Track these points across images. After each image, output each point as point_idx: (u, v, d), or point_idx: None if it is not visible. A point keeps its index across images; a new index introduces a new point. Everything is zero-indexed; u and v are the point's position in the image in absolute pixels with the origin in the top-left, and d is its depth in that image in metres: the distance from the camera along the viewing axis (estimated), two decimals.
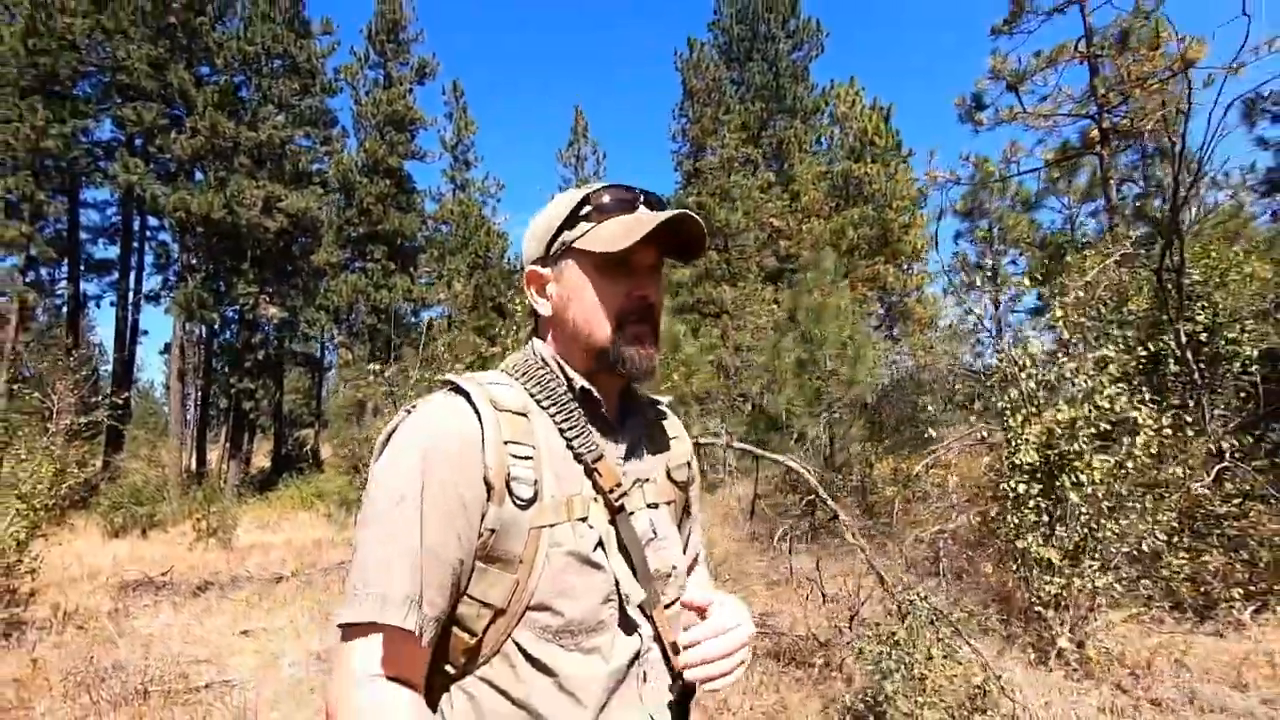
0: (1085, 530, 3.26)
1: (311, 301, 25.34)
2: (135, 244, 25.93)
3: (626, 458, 0.97)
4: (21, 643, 5.49)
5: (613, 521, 0.90)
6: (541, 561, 0.83)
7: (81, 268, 24.48)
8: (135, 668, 4.56)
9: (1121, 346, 3.49)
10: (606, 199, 0.93)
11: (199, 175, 24.48)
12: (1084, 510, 3.25)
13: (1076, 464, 3.22)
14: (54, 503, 6.70)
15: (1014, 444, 3.48)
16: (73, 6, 21.84)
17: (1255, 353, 4.15)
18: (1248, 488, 4.06)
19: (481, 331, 19.95)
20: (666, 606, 0.94)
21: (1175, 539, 3.70)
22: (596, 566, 0.86)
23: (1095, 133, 5.58)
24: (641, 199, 0.96)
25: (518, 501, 0.83)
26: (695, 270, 18.08)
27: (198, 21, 24.00)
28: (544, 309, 0.96)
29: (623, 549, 0.90)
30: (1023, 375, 3.50)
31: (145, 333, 50.92)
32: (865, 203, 15.95)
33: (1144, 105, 5.46)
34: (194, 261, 24.57)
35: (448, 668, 0.85)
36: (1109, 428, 3.48)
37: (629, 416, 1.01)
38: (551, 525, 0.84)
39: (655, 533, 0.96)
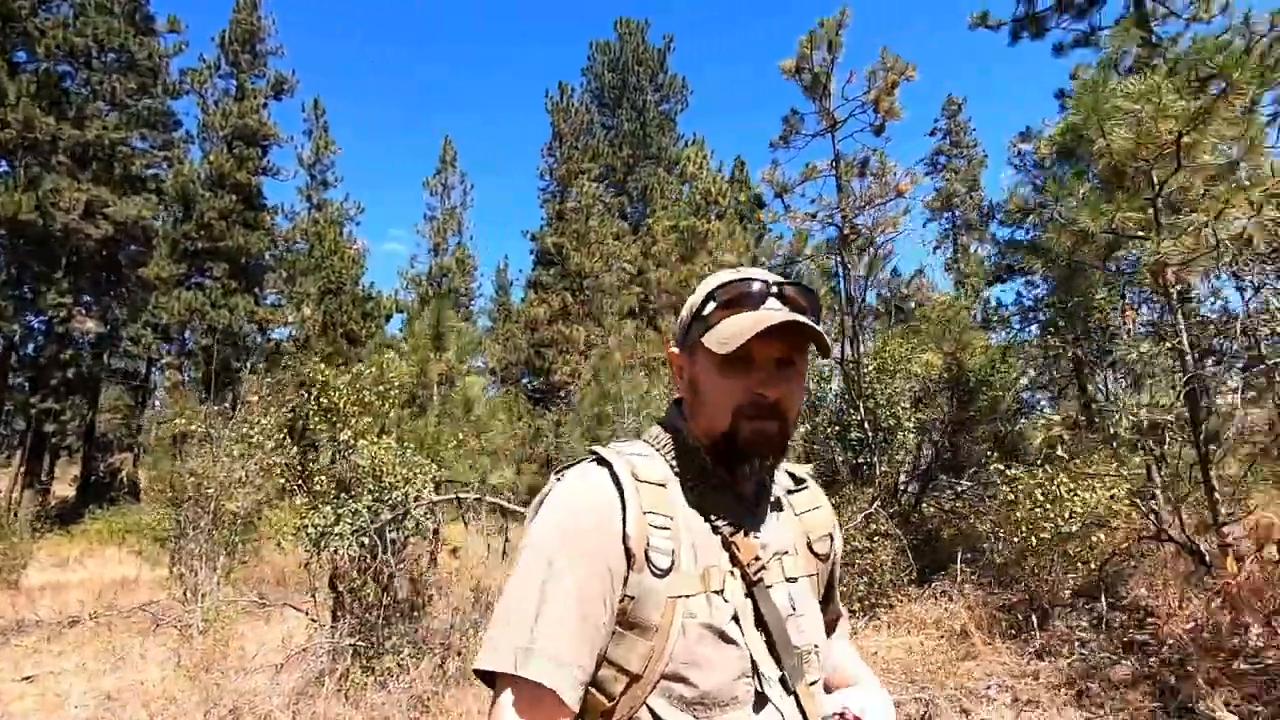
0: None
1: (137, 317, 23.36)
2: None
3: (765, 530, 0.97)
4: None
5: (750, 595, 0.90)
6: (676, 631, 0.84)
7: None
8: None
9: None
10: (731, 295, 0.93)
11: (5, 170, 22.03)
12: None
13: None
14: None
15: None
16: None
17: (911, 423, 5.62)
18: (883, 529, 5.41)
19: (329, 359, 19.47)
20: (810, 684, 0.93)
21: None
22: (730, 641, 0.86)
23: (840, 238, 7.09)
24: (773, 290, 0.94)
25: (655, 570, 0.84)
26: (550, 310, 18.84)
27: (15, 4, 21.83)
28: (681, 390, 1.00)
29: (761, 624, 0.89)
30: None
31: None
32: (709, 256, 17.53)
33: (870, 222, 7.07)
34: None
35: None
36: None
37: (767, 488, 1.01)
38: (687, 596, 0.85)
39: (794, 608, 0.94)
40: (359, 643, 3.88)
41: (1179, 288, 3.52)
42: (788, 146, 7.91)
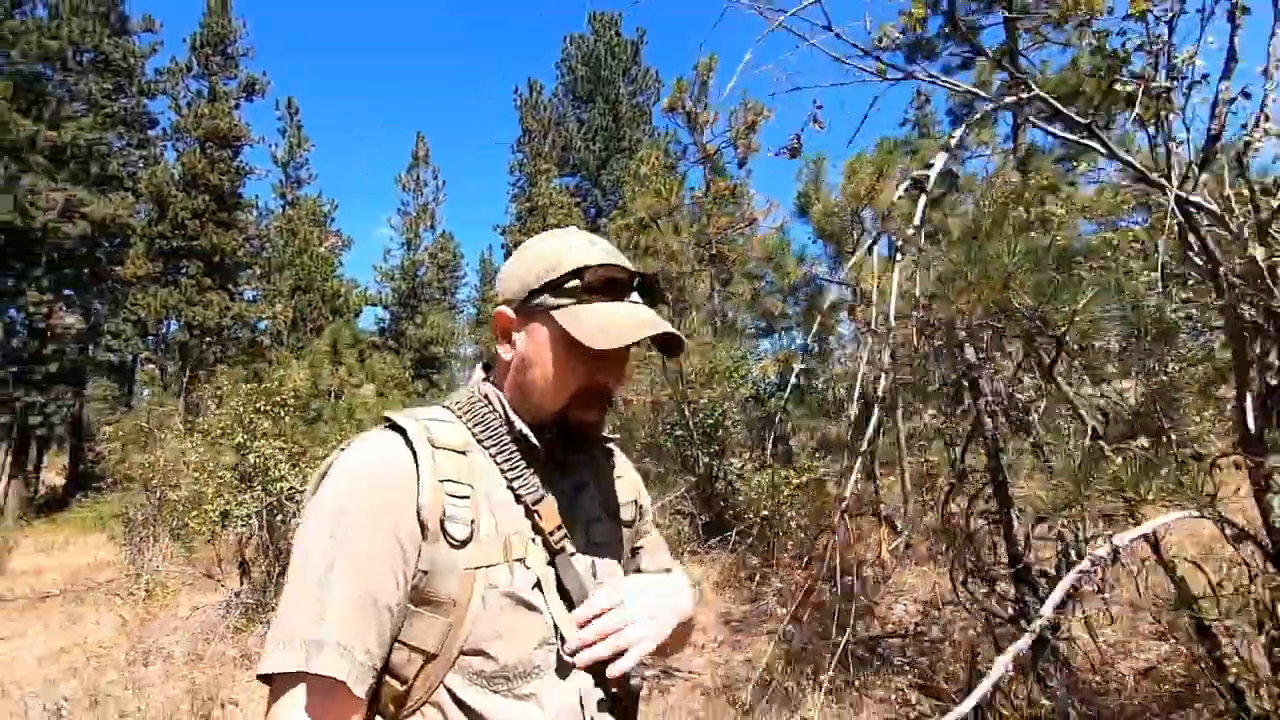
0: None
1: (117, 312, 24.26)
2: None
3: (570, 498, 0.95)
4: None
5: (552, 563, 0.88)
6: (477, 604, 0.81)
7: None
8: None
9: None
10: (599, 279, 0.89)
11: None
12: None
13: None
14: None
15: None
16: None
17: (734, 421, 6.71)
18: (686, 509, 6.53)
19: (299, 354, 20.39)
20: None
21: None
22: (532, 608, 0.84)
23: (708, 257, 8.14)
24: (635, 284, 0.93)
25: (452, 541, 0.81)
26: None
27: None
28: (505, 353, 0.94)
29: (563, 592, 0.87)
30: None
31: None
32: (654, 256, 18.46)
33: (728, 243, 8.14)
34: None
35: (377, 718, 0.81)
36: None
37: (573, 456, 0.97)
38: (487, 566, 0.82)
39: (595, 574, 0.93)
40: (249, 600, 4.95)
41: (864, 321, 4.51)
42: (674, 172, 8.92)
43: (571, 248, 0.92)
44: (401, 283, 28.40)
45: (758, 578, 4.88)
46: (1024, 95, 1.61)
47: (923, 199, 1.52)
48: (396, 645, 0.80)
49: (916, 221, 1.55)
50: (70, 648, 5.72)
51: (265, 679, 0.76)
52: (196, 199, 22.36)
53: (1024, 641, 1.32)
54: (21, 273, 22.96)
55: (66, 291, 24.49)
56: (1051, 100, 1.64)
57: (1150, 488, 1.68)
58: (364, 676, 0.75)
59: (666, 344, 0.93)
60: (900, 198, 1.51)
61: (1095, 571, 1.49)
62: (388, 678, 0.80)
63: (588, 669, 0.85)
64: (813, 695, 2.75)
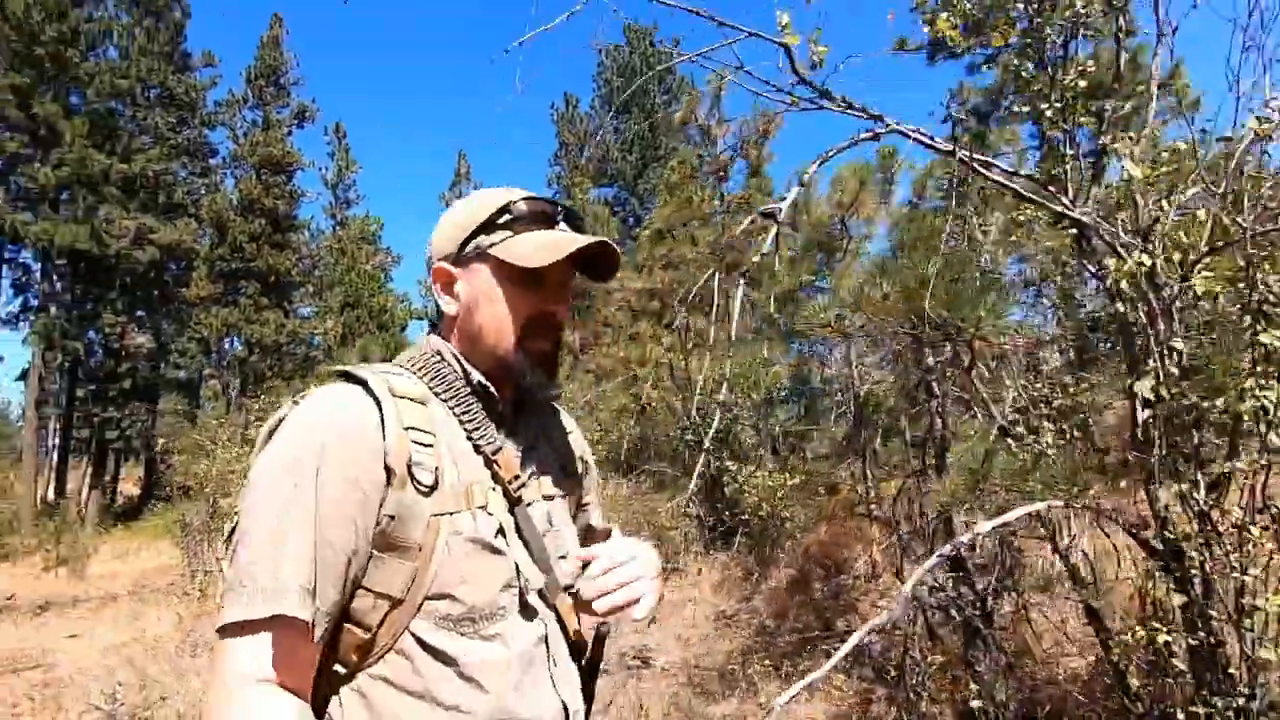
0: None
1: (183, 332, 25.76)
2: None
3: (523, 451, 0.98)
4: None
5: (511, 512, 0.91)
6: (442, 549, 0.82)
7: None
8: None
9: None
10: (527, 210, 0.93)
11: (65, 197, 24.44)
12: None
13: None
14: None
15: None
16: None
17: (742, 428, 6.85)
18: (690, 511, 6.69)
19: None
20: (566, 589, 0.94)
21: None
22: (497, 552, 0.86)
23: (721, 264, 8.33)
24: (561, 215, 0.97)
25: (419, 487, 0.82)
26: None
27: (69, 54, 24.15)
28: (449, 307, 0.97)
29: (522, 538, 0.91)
30: None
31: (0, 359, 48.39)
32: (682, 266, 18.65)
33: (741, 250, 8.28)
34: (57, 288, 24.53)
35: (337, 668, 0.82)
36: None
37: (524, 411, 1.02)
38: (452, 513, 0.84)
39: (551, 523, 0.98)
40: None
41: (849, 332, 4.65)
42: (695, 181, 9.13)
43: (491, 193, 0.97)
44: None
45: (756, 577, 5.04)
46: (880, 130, 1.78)
47: (774, 229, 1.69)
48: (360, 592, 0.81)
49: (766, 249, 1.72)
50: (130, 642, 6.26)
51: (223, 632, 0.75)
52: (253, 223, 23.63)
53: (882, 619, 1.48)
54: (98, 297, 24.66)
55: (138, 313, 26.17)
56: (905, 130, 1.80)
57: (1034, 481, 1.82)
58: (320, 620, 0.76)
59: (601, 264, 0.97)
60: (747, 229, 1.67)
61: (957, 554, 1.63)
62: (350, 626, 0.81)
63: (560, 626, 0.93)
64: (764, 684, 2.91)
